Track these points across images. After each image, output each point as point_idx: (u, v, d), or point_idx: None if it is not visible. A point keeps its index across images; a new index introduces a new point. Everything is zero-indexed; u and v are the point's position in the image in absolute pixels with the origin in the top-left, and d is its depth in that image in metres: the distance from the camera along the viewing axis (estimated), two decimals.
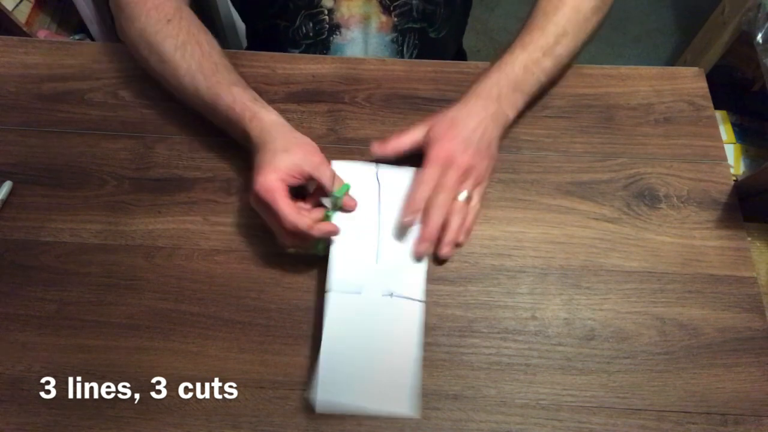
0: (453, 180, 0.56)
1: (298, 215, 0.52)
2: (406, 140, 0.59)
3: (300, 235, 0.52)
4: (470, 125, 0.58)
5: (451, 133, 0.57)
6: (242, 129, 0.57)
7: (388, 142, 0.59)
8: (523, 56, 0.61)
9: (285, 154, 0.53)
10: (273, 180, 0.52)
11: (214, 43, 0.62)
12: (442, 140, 0.57)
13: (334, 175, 0.55)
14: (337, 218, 0.56)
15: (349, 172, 0.57)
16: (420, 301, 0.54)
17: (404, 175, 0.59)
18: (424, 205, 0.56)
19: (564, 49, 0.63)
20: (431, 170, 0.56)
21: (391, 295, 0.53)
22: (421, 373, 0.51)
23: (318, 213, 0.56)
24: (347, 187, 0.56)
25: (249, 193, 0.54)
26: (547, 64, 0.62)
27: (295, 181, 0.53)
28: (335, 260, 0.54)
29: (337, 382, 0.50)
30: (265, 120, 0.56)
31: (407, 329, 0.52)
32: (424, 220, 0.56)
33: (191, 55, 0.59)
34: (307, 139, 0.56)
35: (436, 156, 0.57)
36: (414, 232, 0.56)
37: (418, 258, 0.56)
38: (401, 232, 0.56)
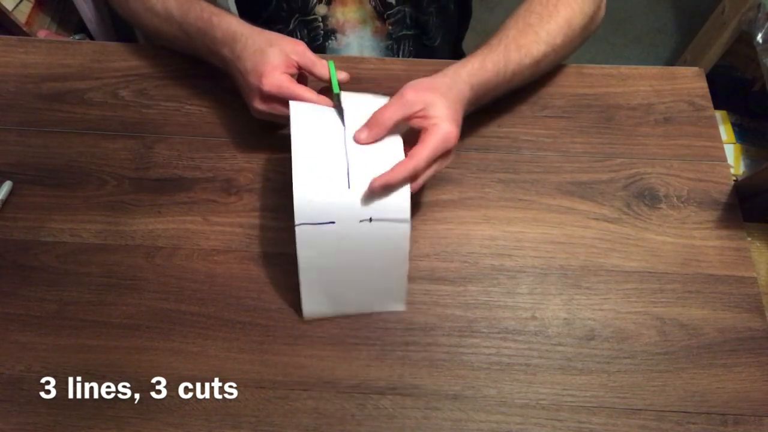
0: (440, 164, 0.53)
1: (322, 98, 0.54)
2: (391, 112, 0.51)
3: None
4: (460, 112, 0.54)
5: (453, 117, 0.52)
6: (212, 35, 0.58)
7: (373, 122, 0.52)
8: (516, 59, 0.59)
9: (273, 48, 0.54)
10: (278, 75, 0.53)
11: None
12: (447, 122, 0.51)
13: (322, 62, 0.57)
14: (301, 143, 0.51)
15: (311, 111, 0.54)
16: (405, 221, 0.50)
17: (369, 100, 0.55)
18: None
19: (547, 63, 0.63)
20: (430, 153, 0.51)
21: (370, 220, 0.50)
22: (406, 285, 0.53)
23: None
24: (332, 64, 0.57)
25: (250, 103, 0.56)
26: (527, 74, 0.61)
27: (294, 73, 0.55)
28: (300, 190, 0.49)
29: (321, 303, 0.53)
30: (233, 21, 0.58)
31: (393, 249, 0.51)
32: (394, 174, 0.50)
33: None
34: (281, 35, 0.57)
35: (441, 142, 0.51)
36: (388, 157, 0.51)
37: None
38: (373, 156, 0.51)
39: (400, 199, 0.50)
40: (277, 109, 0.56)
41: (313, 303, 0.54)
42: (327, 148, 0.51)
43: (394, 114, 0.51)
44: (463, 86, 0.55)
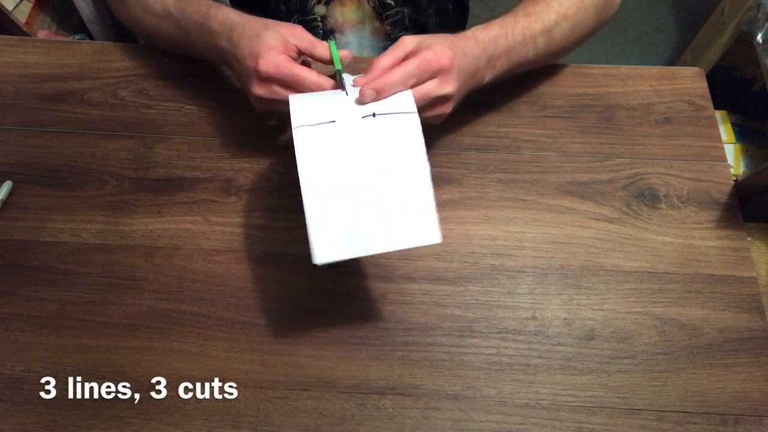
0: (435, 86, 0.52)
1: (323, 78, 0.52)
2: (390, 59, 0.51)
3: None
4: (460, 56, 0.53)
5: (449, 47, 0.52)
6: (209, 28, 0.58)
7: (373, 67, 0.50)
8: (524, 23, 0.59)
9: (269, 31, 0.53)
10: (275, 56, 0.52)
11: None
12: (442, 45, 0.51)
13: (323, 43, 0.55)
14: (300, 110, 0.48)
15: (312, 98, 0.50)
16: (412, 112, 0.46)
17: None
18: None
19: (560, 33, 0.61)
20: (420, 63, 0.50)
21: (374, 115, 0.46)
22: (432, 192, 0.44)
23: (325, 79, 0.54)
24: (333, 44, 0.55)
25: (249, 90, 0.54)
26: (540, 42, 0.60)
27: (293, 56, 0.54)
28: (297, 97, 0.47)
29: (334, 228, 0.43)
30: (230, 12, 0.57)
31: (404, 145, 0.45)
32: (384, 79, 0.49)
33: None
34: (277, 20, 0.56)
35: (433, 55, 0.50)
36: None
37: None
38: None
39: (404, 95, 0.48)
40: (276, 92, 0.53)
41: (324, 239, 0.43)
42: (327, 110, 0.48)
43: (390, 55, 0.51)
44: (467, 41, 0.55)
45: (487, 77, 0.58)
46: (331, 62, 0.55)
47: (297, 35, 0.55)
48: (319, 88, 0.51)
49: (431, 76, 0.51)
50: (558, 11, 0.60)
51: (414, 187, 0.44)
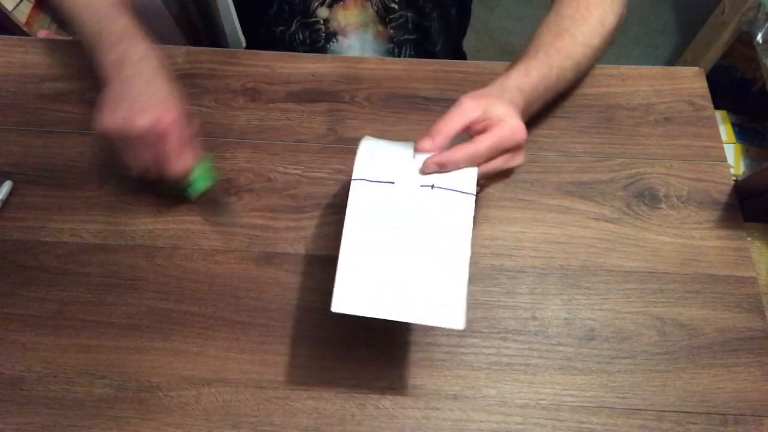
0: (508, 159, 0.49)
1: (187, 157, 0.54)
2: (452, 119, 0.49)
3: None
4: (518, 114, 0.51)
5: (516, 114, 0.49)
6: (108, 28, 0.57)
7: (435, 132, 0.48)
8: (557, 62, 0.58)
9: (177, 97, 0.54)
10: (179, 118, 0.52)
11: None
12: (512, 118, 0.49)
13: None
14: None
15: (379, 151, 0.49)
16: (470, 194, 0.45)
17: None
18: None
19: (586, 64, 0.61)
20: (494, 141, 0.47)
21: (432, 186, 0.45)
22: (467, 278, 0.43)
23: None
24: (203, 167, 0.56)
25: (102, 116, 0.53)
26: (570, 76, 0.60)
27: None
28: (363, 150, 0.47)
29: (362, 282, 0.42)
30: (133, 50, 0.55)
31: (453, 224, 0.44)
32: (452, 154, 0.47)
33: None
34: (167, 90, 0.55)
35: (507, 132, 0.48)
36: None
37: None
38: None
39: (467, 173, 0.46)
40: (141, 144, 0.53)
41: (348, 290, 0.43)
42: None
43: (454, 122, 0.48)
44: (515, 92, 0.53)
45: (525, 120, 0.55)
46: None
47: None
48: (178, 171, 0.54)
49: (503, 153, 0.49)
50: (584, 43, 0.60)
51: (451, 270, 0.44)
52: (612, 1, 0.63)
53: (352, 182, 0.46)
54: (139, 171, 0.55)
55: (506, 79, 0.54)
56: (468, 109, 0.48)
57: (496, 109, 0.49)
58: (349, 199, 0.45)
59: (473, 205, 0.45)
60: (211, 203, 0.57)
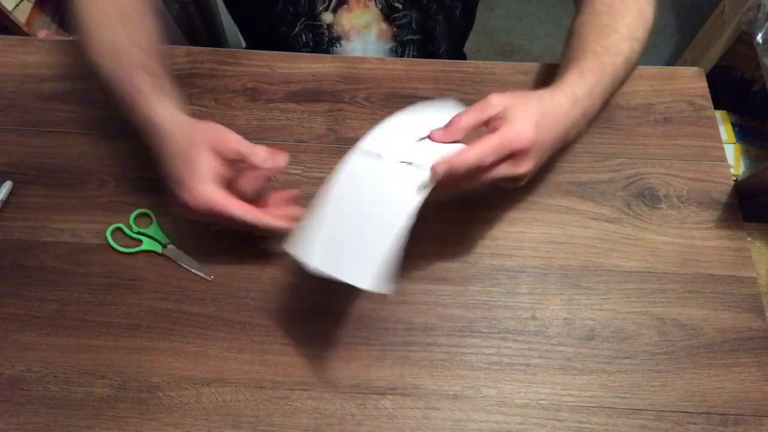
0: (508, 167, 0.48)
1: (258, 214, 0.49)
2: (471, 119, 0.49)
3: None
4: (550, 123, 0.49)
5: (533, 120, 0.48)
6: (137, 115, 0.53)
7: (453, 124, 0.49)
8: (608, 60, 0.55)
9: (197, 152, 0.48)
10: (209, 191, 0.48)
11: (151, 27, 0.57)
12: (522, 123, 0.47)
13: (263, 149, 0.50)
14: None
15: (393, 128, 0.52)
16: (427, 168, 0.47)
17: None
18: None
19: (636, 57, 0.58)
20: (494, 145, 0.46)
21: (410, 163, 0.48)
22: (391, 244, 0.45)
23: (280, 196, 0.54)
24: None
25: (178, 206, 0.50)
26: (623, 74, 0.57)
27: (227, 174, 0.50)
28: (388, 121, 0.51)
29: (314, 237, 0.47)
30: (157, 105, 0.51)
31: (405, 198, 0.47)
32: (454, 161, 0.47)
33: (113, 24, 0.55)
34: (206, 123, 0.50)
35: (508, 137, 0.47)
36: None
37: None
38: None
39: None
40: (214, 219, 0.50)
41: (305, 241, 0.47)
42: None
43: (473, 115, 0.48)
44: (563, 99, 0.51)
45: (584, 128, 0.55)
46: (270, 169, 0.52)
47: (228, 146, 0.49)
48: (252, 219, 0.49)
49: (508, 157, 0.47)
50: (630, 36, 0.56)
51: (380, 235, 0.46)
52: None
53: (353, 151, 0.49)
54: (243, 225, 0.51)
55: (560, 84, 0.52)
56: (489, 106, 0.48)
57: (515, 110, 0.48)
58: (340, 167, 0.49)
59: (427, 178, 0.47)
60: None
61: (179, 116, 0.51)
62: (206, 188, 0.48)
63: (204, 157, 0.48)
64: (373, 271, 0.45)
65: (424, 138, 0.50)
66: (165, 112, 0.51)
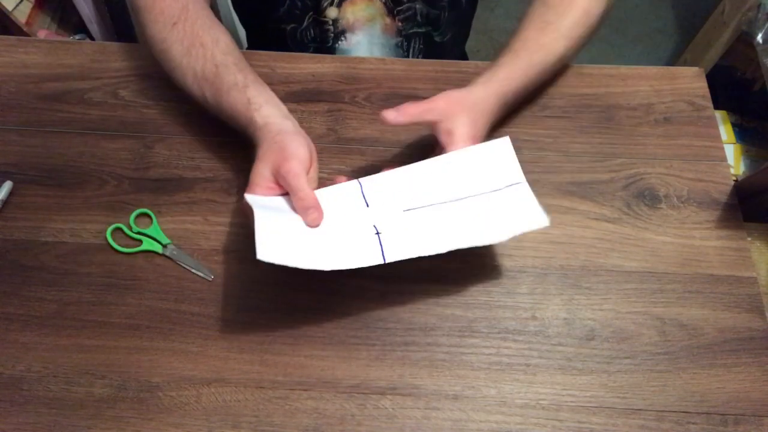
0: None
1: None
2: (422, 110, 0.55)
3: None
4: (483, 127, 0.57)
5: (472, 135, 0.55)
6: (249, 134, 0.56)
7: (403, 108, 0.55)
8: (540, 58, 0.60)
9: (261, 164, 0.53)
10: (296, 165, 0.51)
11: (220, 38, 0.60)
12: (466, 143, 0.55)
13: (307, 195, 0.53)
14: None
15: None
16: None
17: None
18: None
19: (571, 55, 0.63)
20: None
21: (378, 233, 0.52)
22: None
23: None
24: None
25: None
26: (552, 70, 0.63)
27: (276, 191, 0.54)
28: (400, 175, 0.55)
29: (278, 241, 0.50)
30: (259, 123, 0.55)
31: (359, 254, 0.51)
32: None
33: (195, 59, 0.59)
34: (287, 140, 0.53)
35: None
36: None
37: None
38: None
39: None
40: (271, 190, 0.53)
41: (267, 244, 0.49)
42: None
43: (421, 111, 0.55)
44: (493, 99, 0.58)
45: (499, 117, 0.61)
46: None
47: (281, 174, 0.52)
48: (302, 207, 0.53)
49: None
50: (567, 36, 0.62)
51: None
52: None
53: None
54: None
55: (491, 79, 0.58)
56: (436, 110, 0.55)
57: (458, 123, 0.55)
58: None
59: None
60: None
61: (280, 122, 0.55)
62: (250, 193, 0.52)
63: (260, 170, 0.53)
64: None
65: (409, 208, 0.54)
66: (268, 118, 0.56)
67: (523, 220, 0.52)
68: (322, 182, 0.62)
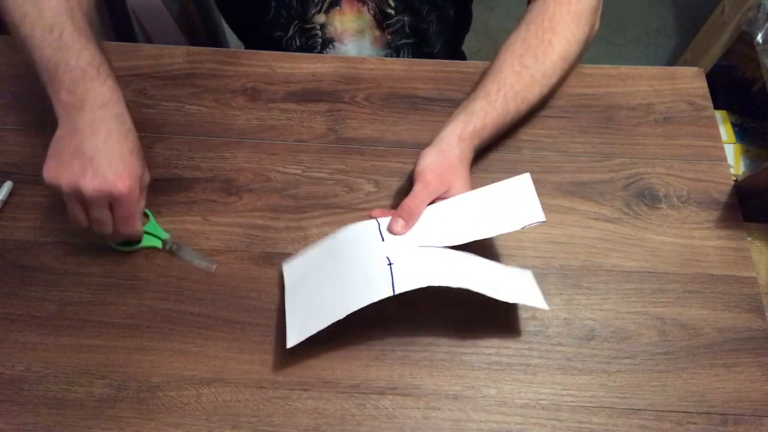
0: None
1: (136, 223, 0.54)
2: (421, 202, 0.55)
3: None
4: (468, 174, 0.58)
5: (467, 187, 0.57)
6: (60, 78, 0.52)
7: (407, 215, 0.55)
8: (514, 107, 0.60)
9: (135, 157, 0.53)
10: (135, 185, 0.51)
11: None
12: (464, 188, 0.56)
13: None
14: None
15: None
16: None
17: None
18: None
19: (544, 99, 0.64)
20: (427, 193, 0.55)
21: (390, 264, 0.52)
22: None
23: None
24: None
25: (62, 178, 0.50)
26: (525, 115, 0.63)
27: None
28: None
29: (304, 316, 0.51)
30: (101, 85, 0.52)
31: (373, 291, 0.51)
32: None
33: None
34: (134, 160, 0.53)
35: (435, 188, 0.55)
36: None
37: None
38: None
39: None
40: (102, 205, 0.52)
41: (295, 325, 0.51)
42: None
43: (424, 201, 0.55)
44: (469, 151, 0.58)
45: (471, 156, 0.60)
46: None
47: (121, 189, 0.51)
48: (134, 234, 0.55)
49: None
50: (543, 83, 0.61)
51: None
52: (578, 26, 0.62)
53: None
54: (79, 228, 0.54)
55: (464, 133, 0.58)
56: (435, 188, 0.55)
57: (457, 186, 0.56)
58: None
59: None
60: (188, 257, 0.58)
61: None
62: (134, 182, 0.51)
63: (139, 164, 0.53)
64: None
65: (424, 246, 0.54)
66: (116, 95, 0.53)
67: (523, 214, 0.53)
68: (323, 182, 0.62)
